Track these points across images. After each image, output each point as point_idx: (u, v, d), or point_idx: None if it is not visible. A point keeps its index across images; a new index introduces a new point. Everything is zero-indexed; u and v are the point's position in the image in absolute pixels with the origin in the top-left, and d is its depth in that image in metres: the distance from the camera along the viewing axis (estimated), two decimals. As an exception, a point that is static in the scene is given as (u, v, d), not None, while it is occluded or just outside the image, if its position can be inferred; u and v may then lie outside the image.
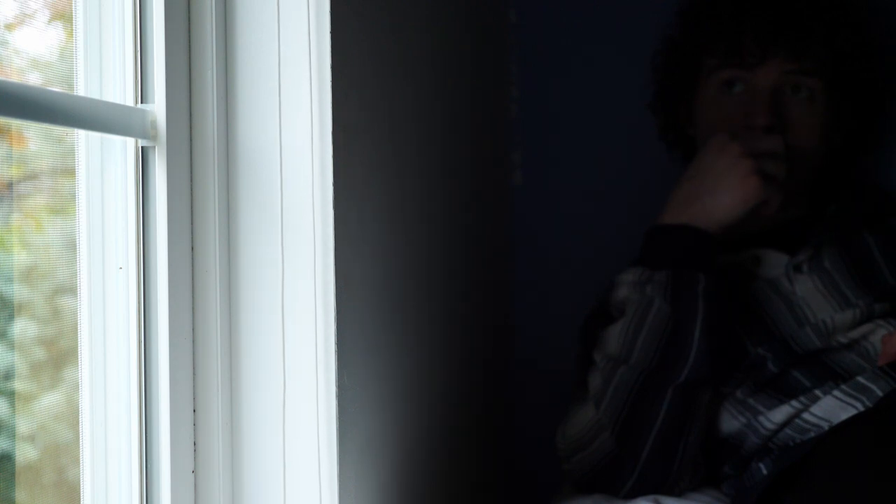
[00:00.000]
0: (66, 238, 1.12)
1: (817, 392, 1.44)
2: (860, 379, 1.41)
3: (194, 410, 1.18)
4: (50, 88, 1.10)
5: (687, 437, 1.45)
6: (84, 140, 1.12)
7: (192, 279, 1.18)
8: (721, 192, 1.48)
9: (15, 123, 1.05)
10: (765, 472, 1.39)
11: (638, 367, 1.44)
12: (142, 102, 1.15)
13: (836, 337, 1.51)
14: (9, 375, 1.09)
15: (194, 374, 1.18)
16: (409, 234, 1.42)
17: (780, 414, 1.45)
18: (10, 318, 1.09)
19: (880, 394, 1.39)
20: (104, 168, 1.13)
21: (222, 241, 1.19)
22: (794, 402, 1.45)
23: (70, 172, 1.12)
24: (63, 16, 1.13)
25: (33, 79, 1.13)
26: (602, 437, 1.45)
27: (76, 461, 1.12)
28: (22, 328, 1.11)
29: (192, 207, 1.18)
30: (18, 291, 1.10)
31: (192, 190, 1.18)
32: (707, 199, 1.48)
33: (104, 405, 1.13)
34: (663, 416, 1.44)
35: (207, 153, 1.18)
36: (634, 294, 1.47)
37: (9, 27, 1.07)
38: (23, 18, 1.08)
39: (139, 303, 1.14)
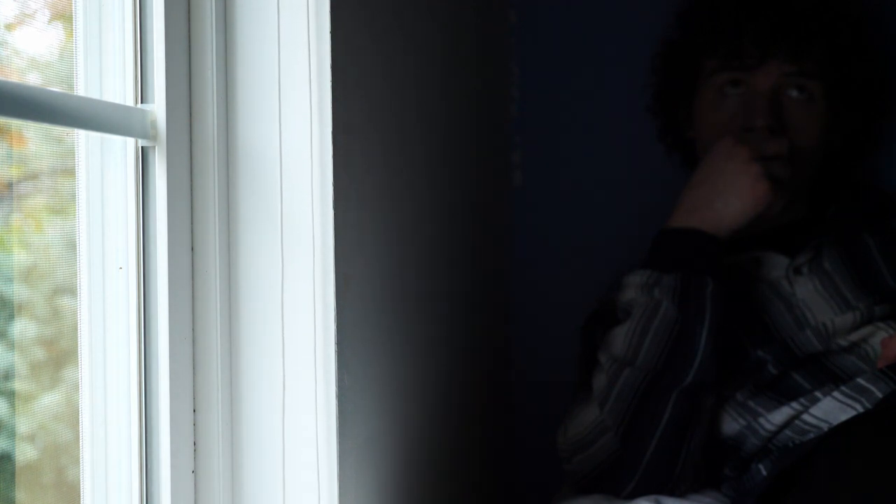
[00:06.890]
0: (66, 238, 1.12)
1: (817, 394, 1.44)
2: (860, 380, 1.41)
3: (194, 410, 1.18)
4: (50, 88, 1.10)
5: (690, 440, 1.45)
6: (84, 140, 1.12)
7: (192, 279, 1.18)
8: (732, 198, 1.48)
9: (15, 123, 1.05)
10: (764, 473, 1.39)
11: (644, 369, 1.44)
12: (142, 102, 1.15)
13: (837, 340, 1.51)
14: (9, 375, 1.09)
15: (194, 374, 1.18)
16: (408, 234, 1.42)
17: (780, 415, 1.45)
18: (10, 318, 1.09)
19: (880, 395, 1.39)
20: (104, 168, 1.13)
21: (222, 241, 1.19)
22: (793, 404, 1.45)
23: (70, 172, 1.12)
24: (63, 16, 1.13)
25: (33, 79, 1.13)
26: (605, 437, 1.45)
27: (76, 461, 1.12)
28: (22, 328, 1.10)
29: (192, 207, 1.18)
30: (18, 291, 1.09)
31: (192, 190, 1.18)
32: (718, 204, 1.48)
33: (104, 405, 1.13)
34: (667, 419, 1.43)
35: (207, 153, 1.18)
36: (642, 296, 1.47)
37: (9, 27, 1.07)
38: (23, 18, 1.08)
39: (139, 303, 1.14)
